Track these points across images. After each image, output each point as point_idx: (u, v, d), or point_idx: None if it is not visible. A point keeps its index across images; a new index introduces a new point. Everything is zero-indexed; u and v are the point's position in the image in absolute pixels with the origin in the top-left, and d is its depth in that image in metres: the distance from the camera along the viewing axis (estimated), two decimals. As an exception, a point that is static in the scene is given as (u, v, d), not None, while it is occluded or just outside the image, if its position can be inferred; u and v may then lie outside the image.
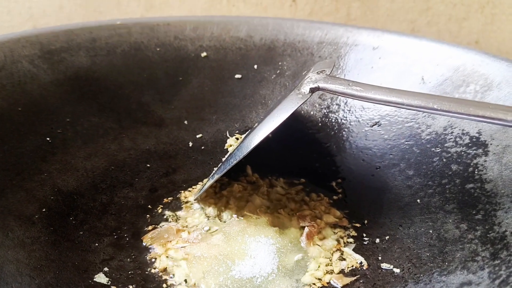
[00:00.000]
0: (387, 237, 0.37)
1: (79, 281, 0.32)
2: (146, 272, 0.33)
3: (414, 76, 0.46)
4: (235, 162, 0.36)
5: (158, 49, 0.51)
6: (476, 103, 0.30)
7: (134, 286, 0.32)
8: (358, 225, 0.39)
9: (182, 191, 0.42)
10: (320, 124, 0.49)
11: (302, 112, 0.50)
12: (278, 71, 0.52)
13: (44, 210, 0.36)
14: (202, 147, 0.48)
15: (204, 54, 0.52)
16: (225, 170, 0.37)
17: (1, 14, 0.65)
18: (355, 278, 0.33)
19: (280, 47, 0.53)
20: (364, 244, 0.37)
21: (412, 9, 0.61)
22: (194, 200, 0.41)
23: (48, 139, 0.41)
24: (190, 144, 0.48)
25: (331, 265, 0.35)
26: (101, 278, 0.32)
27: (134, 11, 0.67)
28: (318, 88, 0.36)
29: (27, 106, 0.42)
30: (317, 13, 0.64)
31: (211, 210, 0.40)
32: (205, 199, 0.41)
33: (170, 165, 0.45)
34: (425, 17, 0.61)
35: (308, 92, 0.36)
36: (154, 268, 0.34)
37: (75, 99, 0.45)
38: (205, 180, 0.43)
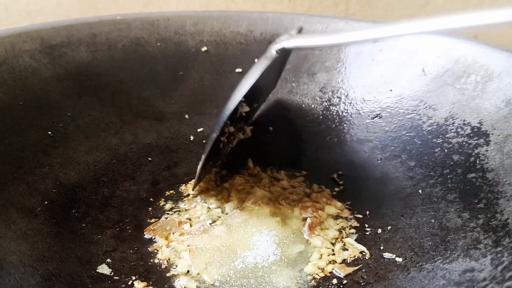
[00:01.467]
0: (389, 227, 0.37)
1: (82, 272, 0.32)
2: (149, 263, 0.34)
3: (414, 68, 0.46)
4: (215, 135, 0.36)
5: (158, 44, 0.51)
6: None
7: (137, 276, 0.32)
8: (360, 216, 0.39)
9: (184, 184, 0.42)
10: (321, 117, 0.49)
11: (303, 105, 0.50)
12: (279, 65, 0.52)
13: (46, 202, 0.36)
14: (204, 141, 0.48)
15: (204, 48, 0.52)
16: (208, 147, 0.37)
17: None
18: (357, 267, 0.33)
19: (280, 41, 0.52)
20: (366, 234, 0.37)
21: (411, 3, 0.61)
22: (193, 192, 0.41)
23: (49, 133, 0.41)
24: (191, 138, 0.48)
25: (333, 255, 0.35)
26: (104, 269, 0.32)
27: (132, 7, 0.67)
28: (283, 49, 0.37)
29: (28, 100, 0.42)
30: (315, 8, 0.64)
31: (213, 202, 0.40)
32: (206, 191, 0.41)
33: (171, 159, 0.45)
34: (424, 11, 0.61)
35: (275, 54, 0.37)
36: (157, 259, 0.34)
37: (76, 93, 0.45)
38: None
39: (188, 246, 0.35)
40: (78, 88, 0.45)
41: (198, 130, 0.49)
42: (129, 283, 0.32)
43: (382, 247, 0.35)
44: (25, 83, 0.42)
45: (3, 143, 0.38)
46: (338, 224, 0.38)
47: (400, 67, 0.47)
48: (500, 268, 0.28)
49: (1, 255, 0.30)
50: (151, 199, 0.40)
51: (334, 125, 0.48)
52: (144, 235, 0.36)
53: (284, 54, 0.38)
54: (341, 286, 0.32)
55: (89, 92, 0.46)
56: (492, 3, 0.60)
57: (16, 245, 0.31)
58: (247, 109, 0.42)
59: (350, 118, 0.48)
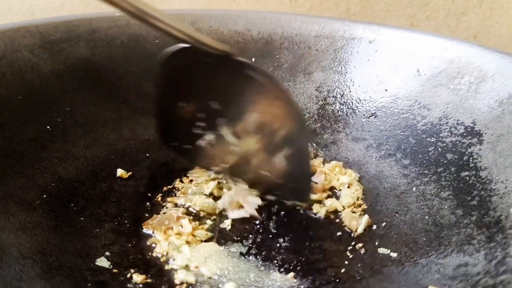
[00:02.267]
0: (383, 224, 0.38)
1: (82, 264, 0.32)
2: (148, 257, 0.34)
3: (409, 68, 0.46)
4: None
5: (156, 41, 0.51)
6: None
7: (135, 270, 0.32)
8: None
9: (182, 180, 0.43)
10: (316, 115, 0.50)
11: (299, 104, 0.51)
12: (276, 64, 0.52)
13: (45, 196, 0.37)
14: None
15: (202, 46, 0.52)
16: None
17: (2, 12, 0.65)
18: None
19: (277, 41, 0.53)
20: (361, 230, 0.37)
21: (411, 3, 0.61)
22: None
23: (48, 127, 0.41)
24: (189, 135, 0.48)
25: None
26: (103, 262, 0.32)
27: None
28: None
29: (27, 94, 0.42)
30: (317, 8, 0.65)
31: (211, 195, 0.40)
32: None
33: (169, 155, 0.45)
34: (424, 11, 0.61)
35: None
36: (155, 253, 0.34)
37: (74, 89, 0.45)
38: None
39: (186, 240, 0.35)
40: (77, 83, 0.46)
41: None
42: (128, 276, 0.32)
43: (377, 243, 0.36)
44: (24, 77, 0.42)
45: (2, 136, 0.38)
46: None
47: (395, 68, 0.47)
48: (493, 262, 0.29)
49: (1, 246, 0.30)
50: (149, 194, 0.41)
51: (329, 124, 0.49)
52: (143, 229, 0.36)
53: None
54: (337, 280, 0.33)
55: (87, 87, 0.46)
56: (491, 3, 0.60)
57: (15, 237, 0.31)
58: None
59: (345, 117, 0.49)
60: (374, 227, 0.37)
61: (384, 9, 0.61)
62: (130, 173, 0.42)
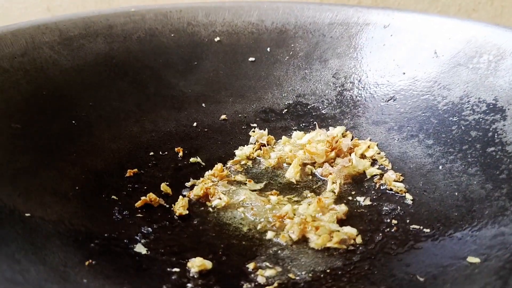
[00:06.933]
0: (412, 202, 0.38)
1: (121, 251, 0.32)
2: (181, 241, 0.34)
3: (426, 51, 0.47)
4: None
5: (172, 35, 0.52)
6: None
7: (172, 255, 0.33)
8: (383, 193, 0.40)
9: (206, 170, 0.43)
10: (335, 102, 0.50)
11: (317, 91, 0.51)
12: (291, 53, 0.53)
13: (77, 188, 0.37)
14: (222, 129, 0.48)
15: (217, 39, 0.53)
16: None
17: (17, 4, 0.66)
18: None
19: (291, 30, 0.54)
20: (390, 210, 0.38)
21: (422, -2, 0.62)
22: None
23: (73, 122, 0.42)
24: (210, 125, 0.48)
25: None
26: (140, 248, 0.33)
27: (147, 1, 0.68)
28: None
29: (51, 90, 0.42)
30: (328, 1, 0.65)
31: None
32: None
33: (192, 146, 0.46)
34: (435, 7, 0.62)
35: None
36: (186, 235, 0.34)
37: (95, 84, 0.46)
38: None
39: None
40: (97, 78, 0.46)
41: (216, 118, 0.49)
42: (165, 260, 0.32)
43: (408, 220, 0.36)
44: (46, 73, 0.43)
45: (31, 131, 0.38)
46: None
47: (412, 51, 0.48)
48: (531, 229, 0.29)
49: (44, 235, 0.30)
50: (175, 184, 0.41)
51: (348, 109, 0.49)
52: (175, 215, 0.37)
53: None
54: (373, 257, 0.33)
55: (107, 82, 0.47)
56: (502, 0, 0.60)
57: (55, 227, 0.32)
58: None
59: (364, 101, 0.49)
60: (403, 205, 0.38)
61: (396, 2, 0.62)
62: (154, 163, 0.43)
